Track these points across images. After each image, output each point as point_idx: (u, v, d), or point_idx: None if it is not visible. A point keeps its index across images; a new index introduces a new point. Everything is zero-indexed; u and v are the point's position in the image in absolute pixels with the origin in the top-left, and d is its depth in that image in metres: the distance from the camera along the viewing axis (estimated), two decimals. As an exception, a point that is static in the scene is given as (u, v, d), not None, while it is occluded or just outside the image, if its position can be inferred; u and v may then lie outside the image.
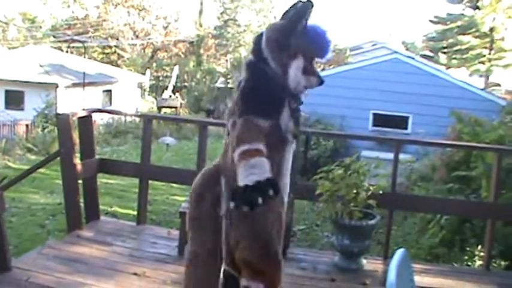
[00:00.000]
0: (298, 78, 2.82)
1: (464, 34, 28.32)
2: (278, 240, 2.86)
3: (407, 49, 35.26)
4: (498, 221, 5.50)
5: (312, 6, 2.79)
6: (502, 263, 5.82)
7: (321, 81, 2.90)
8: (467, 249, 6.47)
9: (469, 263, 6.21)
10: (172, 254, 4.74)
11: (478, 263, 6.01)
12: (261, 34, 2.89)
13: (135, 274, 4.25)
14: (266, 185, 2.52)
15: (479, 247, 6.11)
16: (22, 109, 22.09)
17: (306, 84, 2.86)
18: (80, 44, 32.65)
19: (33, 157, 14.80)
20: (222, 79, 33.39)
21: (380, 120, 16.00)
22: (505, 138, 7.29)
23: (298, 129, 2.94)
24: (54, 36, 38.49)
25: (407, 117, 16.05)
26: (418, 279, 3.20)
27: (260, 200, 2.48)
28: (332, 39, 2.93)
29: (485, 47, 28.32)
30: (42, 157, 11.56)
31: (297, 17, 2.80)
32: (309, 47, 2.85)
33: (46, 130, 17.75)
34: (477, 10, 27.45)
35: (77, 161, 5.11)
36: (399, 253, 2.43)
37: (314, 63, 2.91)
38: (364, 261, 4.74)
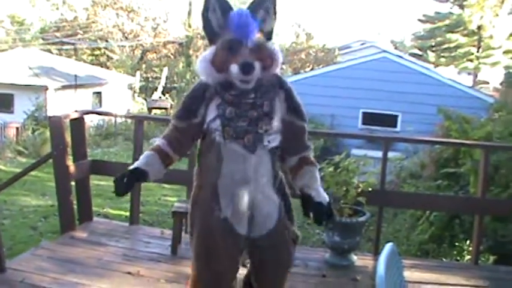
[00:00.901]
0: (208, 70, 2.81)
1: (452, 32, 28.50)
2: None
3: (396, 48, 35.44)
4: (486, 216, 5.60)
5: None
6: (491, 257, 5.89)
7: (242, 66, 2.68)
8: (456, 244, 6.55)
9: (458, 258, 6.29)
10: (166, 254, 4.79)
11: (467, 257, 6.08)
12: None
13: (130, 273, 4.29)
14: (121, 174, 2.85)
15: (468, 242, 6.18)
16: (12, 112, 22.00)
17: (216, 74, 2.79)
18: (69, 46, 32.57)
19: (23, 160, 14.78)
20: (211, 79, 33.34)
21: (369, 118, 16.10)
22: (492, 135, 7.38)
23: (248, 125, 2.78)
24: (43, 39, 38.32)
25: (396, 116, 16.16)
26: (407, 274, 3.27)
27: (114, 185, 2.86)
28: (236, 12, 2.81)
29: (473, 45, 28.51)
30: (33, 160, 11.55)
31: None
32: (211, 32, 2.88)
33: (36, 133, 17.69)
34: (464, 9, 27.59)
35: (70, 162, 5.14)
36: (387, 247, 2.50)
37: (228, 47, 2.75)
38: (354, 257, 4.80)
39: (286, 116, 2.88)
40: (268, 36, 2.90)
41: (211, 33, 2.87)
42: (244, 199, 2.81)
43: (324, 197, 2.88)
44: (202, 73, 2.84)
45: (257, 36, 2.78)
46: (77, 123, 5.32)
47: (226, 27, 2.79)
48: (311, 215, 2.86)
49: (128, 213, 5.99)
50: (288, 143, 2.91)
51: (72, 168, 5.13)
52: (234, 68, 2.69)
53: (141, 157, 2.95)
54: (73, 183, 5.29)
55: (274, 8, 2.91)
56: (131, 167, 2.89)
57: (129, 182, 2.82)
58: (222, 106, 2.78)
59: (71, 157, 5.21)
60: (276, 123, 2.83)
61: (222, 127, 2.76)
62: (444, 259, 6.43)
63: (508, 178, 6.47)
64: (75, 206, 5.35)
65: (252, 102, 2.78)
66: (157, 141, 2.99)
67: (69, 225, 5.15)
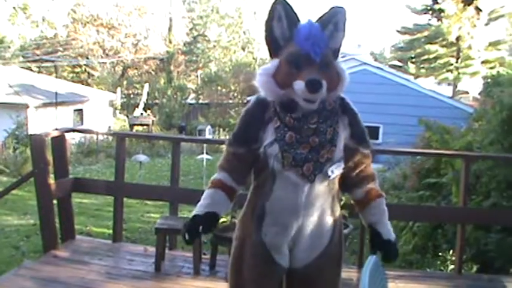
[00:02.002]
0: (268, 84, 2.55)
1: (431, 43, 28.73)
2: None
3: (376, 60, 35.62)
4: (469, 225, 5.64)
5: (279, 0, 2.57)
6: (474, 266, 5.93)
7: (309, 83, 2.40)
8: (440, 254, 6.57)
9: (442, 268, 6.31)
10: (150, 271, 4.76)
11: (451, 267, 6.11)
12: None
13: (113, 291, 4.27)
14: (191, 221, 2.59)
15: (451, 252, 6.22)
16: (-8, 131, 21.84)
17: (279, 89, 2.51)
18: (50, 64, 32.45)
19: (5, 179, 14.63)
20: (193, 95, 33.40)
21: (351, 131, 16.14)
22: (473, 144, 7.45)
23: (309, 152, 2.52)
24: (23, 57, 38.16)
25: (377, 127, 16.26)
26: (392, 285, 3.29)
27: (187, 236, 2.57)
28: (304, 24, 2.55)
29: (453, 56, 28.74)
30: (14, 179, 11.46)
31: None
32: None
33: (17, 151, 17.56)
34: (441, 20, 27.87)
35: (51, 180, 5.11)
36: (371, 260, 2.51)
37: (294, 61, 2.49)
38: (338, 270, 4.80)
39: (350, 143, 2.62)
40: (336, 53, 2.64)
41: (274, 45, 2.59)
42: (288, 230, 2.60)
43: (393, 235, 2.75)
44: (263, 88, 2.56)
45: (327, 52, 2.53)
46: (58, 141, 5.30)
47: (292, 40, 2.53)
48: (378, 253, 2.69)
49: (110, 231, 5.95)
50: (353, 172, 2.69)
51: (53, 186, 5.10)
52: (300, 85, 2.40)
53: (205, 196, 2.65)
54: (55, 201, 5.25)
55: (344, 24, 2.64)
56: (199, 211, 2.60)
57: (204, 229, 2.58)
58: (282, 130, 2.51)
59: (52, 175, 5.18)
60: (339, 151, 2.56)
61: (281, 153, 2.50)
62: (428, 269, 6.45)
63: (489, 186, 6.52)
64: (57, 225, 5.31)
65: (315, 128, 2.50)
66: (217, 175, 2.69)
67: (51, 244, 5.11)
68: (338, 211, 2.73)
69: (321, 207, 2.61)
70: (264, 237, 2.63)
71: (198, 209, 2.60)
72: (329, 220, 2.66)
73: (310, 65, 2.44)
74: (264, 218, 2.62)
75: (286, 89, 2.47)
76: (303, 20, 2.58)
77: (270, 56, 2.62)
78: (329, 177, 2.55)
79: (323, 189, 2.58)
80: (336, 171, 2.57)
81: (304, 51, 2.46)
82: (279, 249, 2.64)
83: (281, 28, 2.56)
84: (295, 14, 2.57)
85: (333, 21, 2.59)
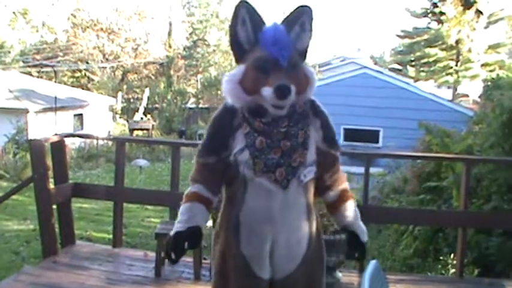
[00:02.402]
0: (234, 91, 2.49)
1: (431, 47, 28.74)
2: None
3: (375, 63, 35.65)
4: (470, 229, 5.63)
5: (242, 4, 2.51)
6: (475, 270, 5.91)
7: (277, 89, 2.34)
8: (441, 258, 6.56)
9: (443, 272, 6.30)
10: (150, 276, 4.75)
11: (452, 271, 6.09)
12: None
13: (113, 297, 4.25)
14: (175, 239, 2.51)
15: (452, 256, 6.20)
16: (-8, 136, 21.84)
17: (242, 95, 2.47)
18: (50, 69, 32.44)
19: (5, 184, 14.62)
20: (192, 99, 33.40)
21: (351, 134, 16.16)
22: (473, 147, 7.44)
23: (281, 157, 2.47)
24: (23, 62, 38.18)
25: (378, 131, 16.26)
26: (392, 289, 3.27)
27: (172, 255, 2.51)
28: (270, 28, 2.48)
29: (452, 59, 28.75)
30: (14, 184, 11.45)
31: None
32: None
33: (17, 156, 17.55)
34: (441, 24, 27.90)
35: (51, 186, 5.11)
36: (371, 265, 2.49)
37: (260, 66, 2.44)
38: (339, 274, 4.78)
39: (322, 146, 2.57)
40: (303, 54, 2.59)
41: (239, 50, 2.53)
42: (265, 240, 2.52)
43: (365, 235, 2.76)
44: (229, 95, 2.50)
45: (294, 55, 2.47)
46: (58, 147, 5.29)
47: (257, 44, 2.47)
48: (356, 254, 2.75)
49: (111, 236, 5.94)
50: (326, 175, 2.64)
51: (53, 191, 5.09)
52: (268, 91, 2.35)
53: (182, 212, 2.55)
54: (55, 206, 5.24)
55: (310, 24, 2.56)
56: (181, 228, 2.50)
57: (190, 244, 2.51)
58: (251, 135, 2.45)
59: (52, 180, 5.18)
60: (311, 154, 2.51)
61: (252, 159, 2.44)
62: (429, 273, 6.44)
63: (490, 190, 6.51)
64: (57, 230, 5.30)
65: (285, 132, 2.44)
66: (191, 188, 2.60)
67: (51, 249, 5.10)
68: (315, 216, 2.68)
69: (297, 214, 2.55)
70: (243, 250, 2.56)
71: (178, 226, 2.52)
72: (306, 226, 2.60)
73: (277, 70, 2.39)
74: (239, 229, 2.55)
75: (254, 95, 2.42)
76: (268, 23, 2.53)
77: (236, 61, 2.56)
78: (301, 181, 2.50)
79: (298, 195, 2.53)
80: (308, 175, 2.52)
81: (272, 56, 2.40)
82: (258, 261, 2.56)
83: (246, 32, 2.51)
84: (259, 16, 2.52)
85: (299, 21, 2.53)
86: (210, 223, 3.93)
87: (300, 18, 2.53)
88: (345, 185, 2.74)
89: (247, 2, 2.51)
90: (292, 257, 2.58)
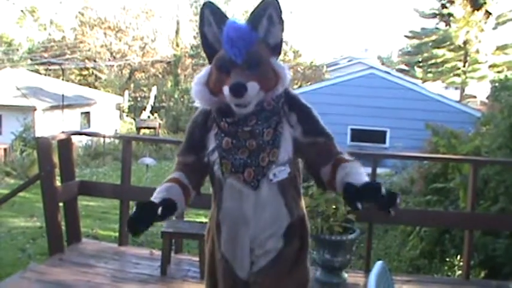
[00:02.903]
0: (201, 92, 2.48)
1: (439, 48, 28.68)
2: None
3: (383, 64, 35.66)
4: (477, 231, 5.60)
5: (206, 4, 2.52)
6: (482, 272, 5.89)
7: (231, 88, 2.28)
8: (447, 259, 6.54)
9: (449, 273, 6.28)
10: (155, 274, 4.74)
11: (458, 273, 6.08)
12: None
13: (119, 295, 4.25)
14: (147, 204, 2.35)
15: (459, 257, 6.18)
16: (0, 133, 21.92)
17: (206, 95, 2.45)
18: (57, 67, 32.56)
19: (12, 181, 14.69)
20: (200, 98, 33.42)
21: (358, 135, 16.13)
22: (480, 149, 7.41)
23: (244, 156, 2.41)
24: (31, 59, 38.32)
25: (385, 132, 16.22)
26: (398, 290, 3.26)
27: (137, 223, 2.30)
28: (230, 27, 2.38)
29: (460, 60, 28.69)
30: (21, 181, 11.49)
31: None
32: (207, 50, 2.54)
33: (24, 153, 17.63)
34: (449, 25, 27.86)
35: (57, 183, 5.11)
36: (377, 265, 2.48)
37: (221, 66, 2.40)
38: (345, 275, 4.78)
39: (304, 139, 2.45)
40: (276, 49, 2.48)
41: (210, 51, 2.50)
42: (240, 241, 2.48)
43: (373, 182, 2.31)
44: (196, 97, 2.49)
45: (254, 51, 2.36)
46: (65, 144, 5.29)
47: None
48: (359, 205, 2.21)
49: (117, 234, 5.94)
50: (317, 157, 2.46)
51: (60, 189, 5.10)
52: (226, 90, 2.29)
53: (159, 190, 2.48)
54: (61, 204, 5.25)
55: (279, 16, 2.43)
56: (155, 199, 2.39)
57: (163, 213, 2.32)
58: (219, 136, 2.44)
59: (58, 178, 5.18)
60: (283, 153, 2.41)
61: (220, 160, 2.43)
62: (435, 275, 6.42)
63: (497, 191, 6.48)
64: (63, 227, 5.31)
65: (250, 130, 2.38)
66: (172, 174, 2.57)
67: (57, 247, 5.10)
68: (298, 213, 2.55)
69: (274, 214, 2.46)
70: (223, 249, 2.55)
71: (153, 198, 2.41)
72: (284, 224, 2.49)
73: (235, 68, 2.33)
74: (220, 229, 2.54)
75: (219, 95, 2.37)
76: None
77: (209, 62, 2.52)
78: (271, 180, 2.40)
79: (272, 195, 2.43)
80: (279, 175, 2.42)
81: (228, 55, 2.35)
82: (237, 261, 2.52)
83: (212, 32, 2.48)
84: (224, 16, 2.47)
85: (265, 15, 2.41)
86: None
87: (266, 11, 2.41)
88: (339, 155, 2.46)
89: (210, 3, 2.50)
90: (268, 252, 2.50)
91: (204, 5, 2.50)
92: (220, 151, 2.42)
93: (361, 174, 2.35)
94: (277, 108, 2.43)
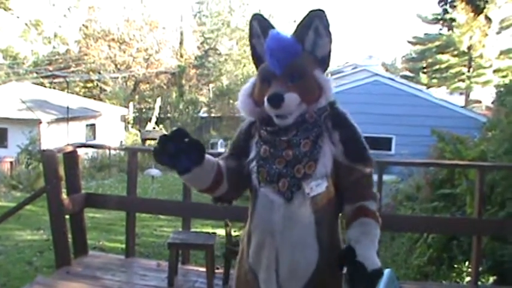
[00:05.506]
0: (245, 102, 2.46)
1: (442, 53, 28.73)
2: None
3: (387, 70, 35.60)
4: (485, 237, 5.57)
5: (254, 16, 2.53)
6: (491, 278, 5.86)
7: (268, 99, 2.26)
8: (456, 266, 6.51)
9: (458, 280, 6.25)
10: (162, 286, 4.74)
11: (467, 279, 6.04)
12: None
13: (126, 307, 4.24)
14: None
15: (467, 263, 6.15)
16: (5, 146, 21.98)
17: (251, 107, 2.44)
18: (62, 79, 32.69)
19: (18, 194, 14.71)
20: (204, 109, 33.49)
21: (364, 142, 16.09)
22: (486, 154, 7.38)
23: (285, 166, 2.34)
24: (36, 73, 38.46)
25: (390, 139, 16.21)
26: (406, 298, 3.24)
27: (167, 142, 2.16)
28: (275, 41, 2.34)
29: (464, 65, 28.72)
30: (28, 194, 11.50)
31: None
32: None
33: (30, 166, 17.68)
34: (452, 30, 27.86)
35: (64, 196, 5.12)
36: (386, 273, 2.47)
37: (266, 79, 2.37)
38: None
39: (343, 160, 2.35)
40: (324, 62, 2.43)
41: (258, 62, 2.50)
42: (263, 251, 2.39)
43: (374, 262, 2.24)
44: (241, 109, 2.48)
45: (297, 63, 2.32)
46: (70, 157, 5.30)
47: None
48: (345, 273, 2.22)
49: (123, 246, 5.94)
50: (347, 190, 2.40)
51: (66, 202, 5.10)
52: (265, 101, 2.26)
53: None
54: (68, 216, 5.25)
55: (326, 28, 2.39)
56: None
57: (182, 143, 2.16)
58: (259, 144, 2.41)
59: (64, 191, 5.19)
60: (321, 167, 2.32)
61: (257, 168, 2.38)
62: (444, 281, 6.38)
63: (504, 196, 6.45)
64: (70, 240, 5.30)
65: (287, 140, 2.32)
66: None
67: (64, 259, 5.10)
68: (332, 235, 2.43)
69: (302, 230, 2.33)
70: (250, 260, 2.46)
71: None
72: (314, 245, 2.35)
73: (276, 79, 2.31)
74: (251, 239, 2.46)
75: (262, 107, 2.33)
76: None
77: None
78: (308, 194, 2.31)
79: (304, 209, 2.33)
80: (316, 188, 2.32)
81: (269, 66, 2.34)
82: (262, 274, 2.41)
83: (260, 44, 2.47)
84: (270, 25, 2.45)
85: (312, 27, 2.38)
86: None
87: (313, 24, 2.37)
88: (366, 201, 2.41)
89: (259, 14, 2.50)
90: (298, 277, 2.36)
91: (252, 16, 2.52)
92: (259, 159, 2.39)
93: (371, 238, 2.33)
94: (319, 122, 2.37)
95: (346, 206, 2.41)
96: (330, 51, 2.44)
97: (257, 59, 2.52)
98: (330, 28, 2.40)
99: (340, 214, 2.49)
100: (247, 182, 2.45)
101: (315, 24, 2.37)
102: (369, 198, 2.42)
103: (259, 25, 2.48)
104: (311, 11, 2.40)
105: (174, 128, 2.26)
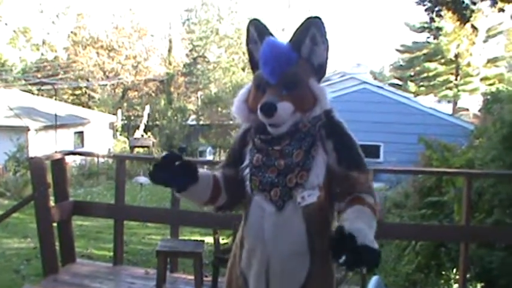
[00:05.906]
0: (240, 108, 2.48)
1: (430, 61, 28.90)
2: None
3: (375, 78, 35.75)
4: (472, 244, 5.60)
5: (251, 22, 2.53)
6: (478, 285, 5.88)
7: (261, 108, 2.26)
8: (444, 273, 6.53)
9: (446, 287, 6.27)
10: (151, 293, 4.73)
11: (455, 286, 6.06)
12: None
13: (114, 315, 4.23)
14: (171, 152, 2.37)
15: (455, 270, 6.17)
16: (-7, 154, 21.87)
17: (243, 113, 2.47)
18: (50, 87, 32.55)
19: (5, 202, 14.59)
20: (193, 116, 33.42)
21: (352, 150, 16.14)
22: (474, 161, 7.43)
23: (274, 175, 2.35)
24: (24, 80, 38.29)
25: (378, 146, 16.29)
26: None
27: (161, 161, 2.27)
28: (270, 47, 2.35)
29: (452, 73, 28.90)
30: (15, 202, 11.42)
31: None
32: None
33: (18, 174, 17.54)
34: (439, 38, 28.03)
35: (51, 204, 5.10)
36: (374, 280, 2.48)
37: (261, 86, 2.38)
38: (342, 290, 4.76)
39: (336, 168, 2.33)
40: (320, 70, 2.42)
41: (255, 68, 2.50)
42: (254, 258, 2.40)
43: (368, 238, 2.07)
44: (236, 114, 2.49)
45: (291, 72, 2.32)
46: (58, 164, 5.29)
47: None
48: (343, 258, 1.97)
49: (111, 254, 5.92)
50: (343, 199, 2.33)
51: (53, 209, 5.09)
52: (258, 110, 2.27)
53: None
54: (55, 224, 5.23)
55: (323, 35, 2.37)
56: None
57: (176, 165, 2.26)
58: (252, 152, 2.41)
59: (52, 198, 5.17)
60: (313, 177, 2.30)
61: (250, 176, 2.39)
62: (432, 289, 6.41)
63: (492, 204, 6.50)
64: (58, 248, 5.28)
65: (280, 150, 2.32)
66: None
67: (52, 267, 5.08)
68: (323, 244, 2.28)
69: (293, 239, 2.33)
70: (242, 265, 2.47)
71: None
72: (305, 255, 2.34)
73: (270, 87, 2.31)
74: (243, 245, 2.47)
75: (257, 113, 2.31)
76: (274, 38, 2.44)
77: None
78: (299, 203, 2.30)
79: (295, 219, 2.32)
80: (308, 198, 2.30)
81: (263, 74, 2.34)
82: (252, 280, 2.41)
83: (257, 49, 2.44)
84: (267, 31, 2.45)
85: (308, 35, 2.36)
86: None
87: (309, 31, 2.36)
88: (362, 194, 2.33)
89: (256, 20, 2.50)
90: (288, 285, 2.37)
91: (249, 22, 2.52)
92: (251, 167, 2.40)
93: (366, 220, 2.20)
94: (313, 130, 2.36)
95: (341, 203, 2.33)
96: (326, 59, 2.43)
97: (254, 64, 2.51)
98: (327, 36, 2.39)
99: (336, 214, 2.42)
100: (244, 189, 2.45)
101: (311, 31, 2.36)
102: (365, 191, 2.35)
103: (256, 30, 2.49)
104: (308, 18, 2.39)
105: (164, 153, 2.35)
